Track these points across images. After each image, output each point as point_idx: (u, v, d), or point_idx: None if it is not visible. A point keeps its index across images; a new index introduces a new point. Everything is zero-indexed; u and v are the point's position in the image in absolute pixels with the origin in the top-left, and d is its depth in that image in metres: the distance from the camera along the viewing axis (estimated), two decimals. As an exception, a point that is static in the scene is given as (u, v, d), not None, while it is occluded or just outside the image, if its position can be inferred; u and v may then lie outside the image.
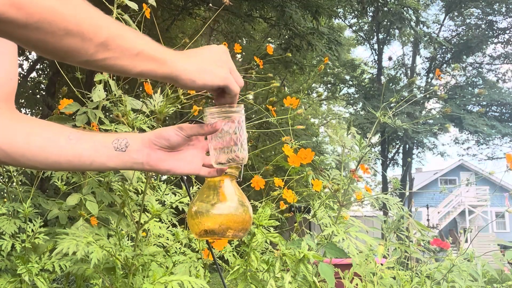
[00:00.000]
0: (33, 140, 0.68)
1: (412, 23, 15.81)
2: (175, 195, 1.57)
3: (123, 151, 0.72)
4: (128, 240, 1.42)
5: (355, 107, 21.09)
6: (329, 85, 21.06)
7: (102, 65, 0.57)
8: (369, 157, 1.59)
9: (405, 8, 14.63)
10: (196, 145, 0.78)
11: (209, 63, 0.67)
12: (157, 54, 0.61)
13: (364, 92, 19.75)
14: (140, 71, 0.60)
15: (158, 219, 1.49)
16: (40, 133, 0.69)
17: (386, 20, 17.17)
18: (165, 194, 1.54)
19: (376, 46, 20.52)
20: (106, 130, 1.40)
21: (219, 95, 0.73)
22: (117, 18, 1.45)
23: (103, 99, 1.43)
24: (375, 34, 20.29)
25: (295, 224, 1.59)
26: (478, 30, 20.41)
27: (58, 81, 8.77)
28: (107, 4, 1.44)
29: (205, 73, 0.66)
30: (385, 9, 14.64)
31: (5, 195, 1.44)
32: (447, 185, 25.56)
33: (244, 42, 11.83)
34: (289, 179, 1.57)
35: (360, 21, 20.23)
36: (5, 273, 1.30)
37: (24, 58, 10.05)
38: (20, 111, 0.73)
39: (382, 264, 1.55)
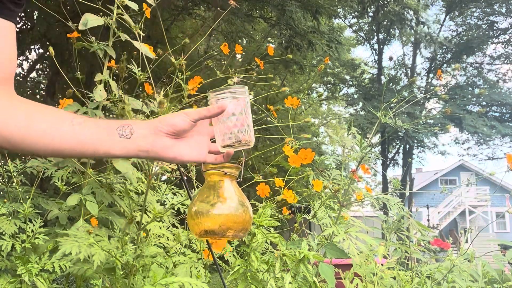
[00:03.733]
0: (34, 125, 0.64)
1: (413, 23, 15.79)
2: (176, 195, 1.57)
3: (128, 138, 0.69)
4: (129, 241, 1.42)
5: (355, 108, 21.09)
6: (329, 85, 21.05)
7: None
8: (370, 157, 1.59)
9: (405, 9, 14.62)
10: (201, 132, 0.77)
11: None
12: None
13: (364, 92, 19.74)
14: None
15: (159, 220, 1.49)
16: (42, 118, 0.66)
17: (386, 20, 17.18)
18: (165, 195, 1.54)
19: (376, 46, 20.53)
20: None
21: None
22: (117, 19, 1.45)
23: (102, 99, 1.43)
24: (375, 34, 20.29)
25: (295, 225, 1.59)
26: (478, 30, 20.41)
27: (58, 81, 8.76)
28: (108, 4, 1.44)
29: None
30: (386, 9, 14.62)
31: (5, 195, 1.44)
32: (447, 185, 25.55)
33: (244, 42, 11.83)
34: (290, 179, 1.56)
35: (360, 21, 20.23)
36: (5, 274, 1.30)
37: (24, 58, 10.06)
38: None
39: (382, 265, 1.54)
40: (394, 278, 1.59)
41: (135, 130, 0.70)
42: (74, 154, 0.68)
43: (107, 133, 0.69)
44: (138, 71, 1.44)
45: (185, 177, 1.39)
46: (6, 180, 1.45)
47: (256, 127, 1.53)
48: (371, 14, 18.13)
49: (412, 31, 16.41)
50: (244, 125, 0.75)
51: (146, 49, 1.37)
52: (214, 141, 0.79)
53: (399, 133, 17.48)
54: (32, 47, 9.03)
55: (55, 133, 0.66)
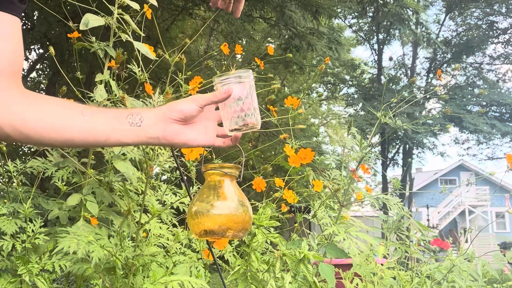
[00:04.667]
0: (46, 117, 0.66)
1: (412, 25, 15.76)
2: (176, 195, 1.57)
3: (138, 126, 0.71)
4: (129, 240, 1.42)
5: (355, 108, 21.07)
6: (329, 85, 21.04)
7: None
8: (370, 157, 1.59)
9: (404, 10, 14.59)
10: (208, 117, 0.78)
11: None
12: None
13: (364, 92, 19.72)
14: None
15: (159, 220, 1.49)
16: (53, 109, 0.68)
17: (386, 20, 17.17)
18: (165, 194, 1.54)
19: (376, 46, 20.51)
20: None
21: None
22: (117, 18, 1.45)
23: (103, 99, 1.43)
24: (375, 34, 20.27)
25: (295, 225, 1.59)
26: (478, 30, 20.40)
27: (58, 81, 8.76)
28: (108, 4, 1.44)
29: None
30: (385, 9, 14.60)
31: (5, 195, 1.44)
32: (447, 185, 25.55)
33: (244, 42, 11.83)
34: (290, 179, 1.56)
35: (360, 21, 20.22)
36: (5, 274, 1.30)
37: (24, 58, 10.04)
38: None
39: (382, 264, 1.54)
40: (394, 278, 1.59)
41: (144, 118, 0.72)
42: (85, 143, 0.70)
43: (117, 122, 0.70)
44: (139, 71, 1.44)
45: (185, 177, 1.39)
46: (6, 180, 1.45)
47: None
48: (370, 14, 18.13)
49: (410, 31, 16.36)
50: (251, 109, 0.76)
51: (146, 50, 1.37)
52: (222, 125, 0.79)
53: (399, 133, 17.47)
54: (32, 47, 9.03)
55: (66, 124, 0.67)
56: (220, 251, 1.50)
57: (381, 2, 13.19)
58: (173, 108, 0.73)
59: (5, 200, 1.42)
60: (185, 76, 1.36)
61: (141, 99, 1.46)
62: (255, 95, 0.77)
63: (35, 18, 7.73)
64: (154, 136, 0.72)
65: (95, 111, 0.70)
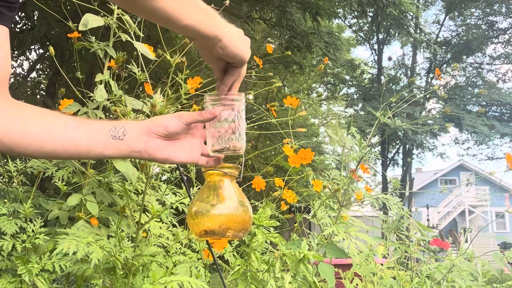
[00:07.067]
0: (29, 128, 0.66)
1: (411, 29, 15.73)
2: (176, 195, 1.57)
3: (121, 140, 0.70)
4: (128, 240, 1.42)
5: (355, 108, 21.07)
6: (329, 85, 21.05)
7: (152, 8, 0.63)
8: (369, 157, 1.59)
9: (404, 14, 14.55)
10: (194, 134, 0.77)
11: (245, 44, 0.74)
12: (208, 9, 0.69)
13: (364, 92, 19.73)
14: (188, 24, 0.66)
15: (158, 220, 1.49)
16: (36, 121, 0.67)
17: (386, 21, 17.17)
18: (165, 194, 1.54)
19: (376, 46, 20.53)
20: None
21: (224, 70, 0.75)
22: (117, 18, 1.45)
23: (103, 99, 1.43)
24: (375, 34, 20.29)
25: (295, 224, 1.59)
26: (478, 31, 20.41)
27: (58, 81, 8.76)
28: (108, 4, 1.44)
29: (244, 44, 0.73)
30: (386, 11, 14.58)
31: (6, 195, 1.44)
32: (447, 185, 25.54)
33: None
34: (290, 179, 1.57)
35: (360, 21, 20.23)
36: (5, 273, 1.30)
37: (24, 58, 10.06)
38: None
39: (382, 264, 1.55)
40: (394, 278, 1.59)
41: (127, 131, 0.71)
42: (68, 156, 0.70)
43: (100, 135, 0.70)
44: (138, 71, 1.45)
45: (185, 177, 1.40)
46: (7, 180, 1.45)
47: (256, 126, 1.53)
48: (370, 14, 18.13)
49: (411, 38, 16.33)
50: (236, 132, 0.75)
51: (146, 50, 1.37)
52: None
53: (399, 133, 17.47)
54: (32, 47, 9.03)
55: (49, 136, 0.67)
56: (220, 252, 1.51)
57: (381, 4, 13.16)
58: (157, 123, 0.72)
59: (5, 200, 1.42)
60: (183, 76, 1.36)
61: (141, 99, 1.46)
62: (243, 119, 0.76)
63: (35, 18, 7.73)
64: (136, 149, 0.71)
65: (79, 123, 0.70)
